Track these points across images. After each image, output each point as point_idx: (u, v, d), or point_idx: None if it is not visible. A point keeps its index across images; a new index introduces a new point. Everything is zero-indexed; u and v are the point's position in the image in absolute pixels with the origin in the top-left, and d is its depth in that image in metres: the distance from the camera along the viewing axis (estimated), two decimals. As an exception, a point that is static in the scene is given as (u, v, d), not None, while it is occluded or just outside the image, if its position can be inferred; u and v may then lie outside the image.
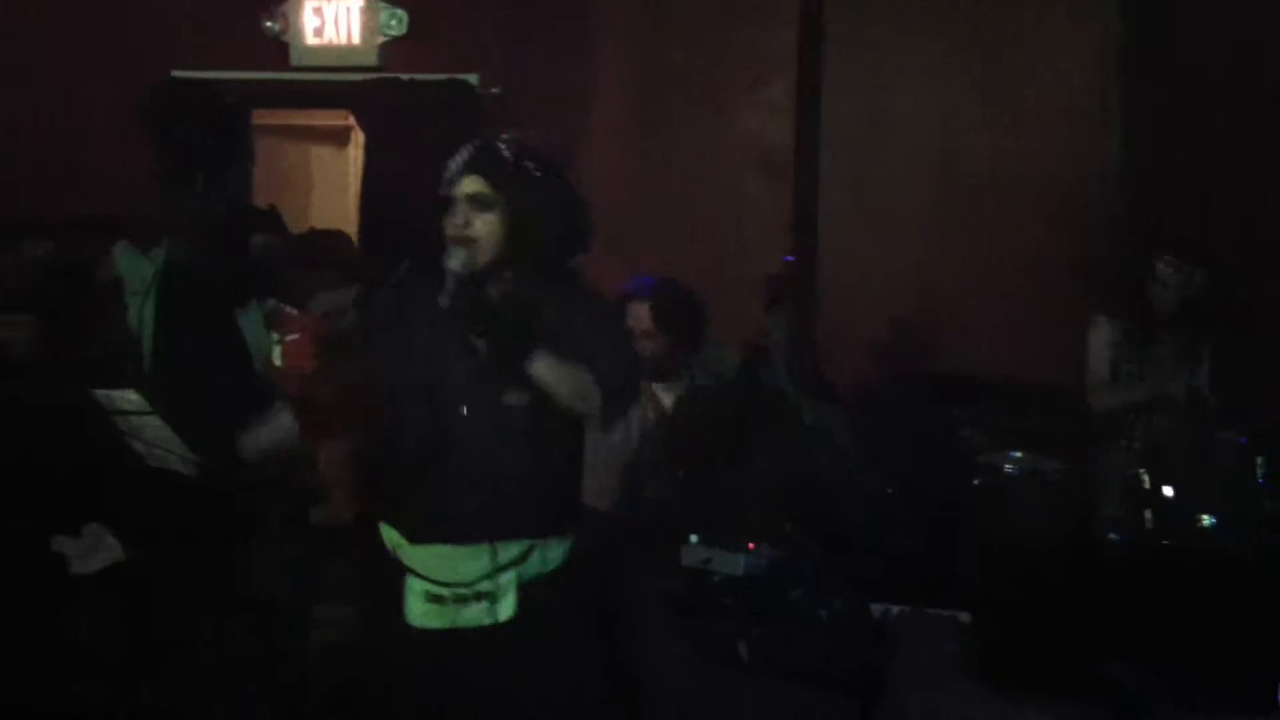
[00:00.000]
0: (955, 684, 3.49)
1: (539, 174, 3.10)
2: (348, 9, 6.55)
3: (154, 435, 3.90)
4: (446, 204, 3.08)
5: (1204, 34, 6.03)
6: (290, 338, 4.19)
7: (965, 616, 3.63)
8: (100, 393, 3.95)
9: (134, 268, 4.25)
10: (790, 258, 4.67)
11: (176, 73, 6.47)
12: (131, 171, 4.35)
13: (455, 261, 2.99)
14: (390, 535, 3.21)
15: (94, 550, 4.46)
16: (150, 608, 4.31)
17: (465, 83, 6.43)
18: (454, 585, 3.11)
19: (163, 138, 4.14)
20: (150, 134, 4.16)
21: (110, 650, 4.46)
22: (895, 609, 3.76)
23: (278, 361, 4.23)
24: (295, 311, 4.20)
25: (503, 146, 3.09)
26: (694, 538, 3.91)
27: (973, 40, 6.30)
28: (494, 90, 6.42)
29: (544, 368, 3.02)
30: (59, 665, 4.40)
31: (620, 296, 4.82)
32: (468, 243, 3.03)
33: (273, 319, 4.23)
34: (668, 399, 4.76)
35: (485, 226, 3.05)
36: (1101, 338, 5.37)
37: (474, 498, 3.09)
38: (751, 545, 3.85)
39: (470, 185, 3.06)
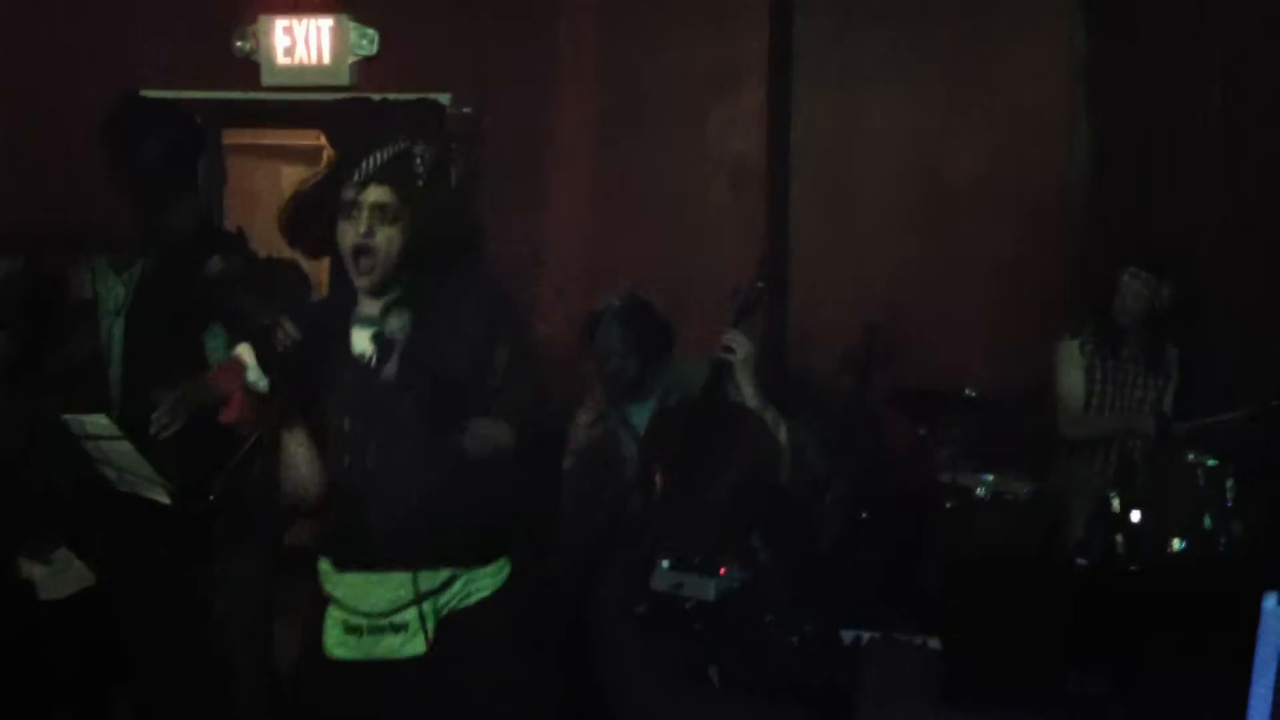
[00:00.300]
0: (924, 707, 3.50)
1: (444, 192, 3.03)
2: (318, 29, 6.51)
3: (124, 460, 3.89)
4: (344, 209, 2.99)
5: (1170, 46, 6.07)
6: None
7: (936, 643, 3.62)
8: (70, 417, 3.93)
9: (109, 286, 4.22)
10: (760, 271, 4.65)
11: (146, 92, 6.43)
12: (102, 190, 4.33)
13: (394, 326, 2.96)
14: (323, 563, 3.14)
15: (63, 575, 4.43)
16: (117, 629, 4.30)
17: (436, 102, 6.41)
18: (370, 615, 3.05)
19: (124, 155, 4.10)
20: (112, 151, 4.13)
21: (78, 672, 4.44)
22: (866, 635, 3.75)
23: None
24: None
25: (416, 159, 3.00)
26: (665, 562, 3.90)
27: (944, 51, 6.32)
28: (465, 110, 6.41)
29: (472, 439, 3.00)
30: (30, 690, 4.38)
31: (590, 315, 4.82)
32: (367, 253, 2.96)
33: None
34: (639, 420, 4.77)
35: (385, 239, 2.97)
36: (1068, 364, 5.39)
37: (391, 523, 3.01)
38: (723, 570, 3.84)
39: (378, 194, 2.96)
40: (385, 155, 2.98)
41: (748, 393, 4.29)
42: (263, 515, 4.13)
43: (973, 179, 6.27)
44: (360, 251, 2.97)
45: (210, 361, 4.00)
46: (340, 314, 3.08)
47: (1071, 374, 5.38)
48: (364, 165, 2.96)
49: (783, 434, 4.33)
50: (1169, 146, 6.06)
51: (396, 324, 2.98)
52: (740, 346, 4.28)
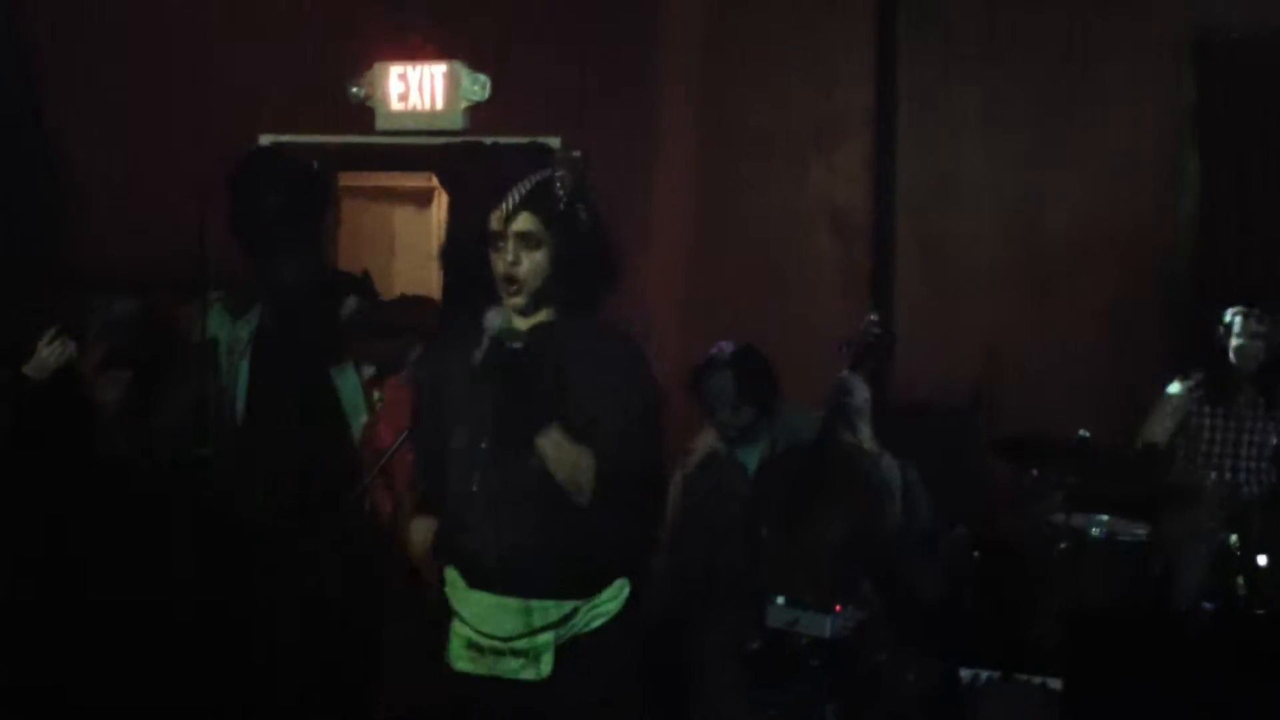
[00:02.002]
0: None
1: (585, 217, 3.10)
2: (431, 75, 6.61)
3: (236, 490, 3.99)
4: (491, 239, 3.08)
5: (1277, 89, 6.02)
6: (389, 398, 4.23)
7: (1056, 683, 3.57)
8: (187, 449, 4.05)
9: (228, 330, 4.32)
10: (874, 318, 4.62)
11: (263, 137, 6.59)
12: (218, 233, 4.43)
13: (494, 324, 2.98)
14: (451, 574, 3.21)
15: None
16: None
17: (546, 146, 6.50)
18: (493, 638, 3.11)
19: (251, 205, 4.20)
20: (237, 201, 4.23)
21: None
22: (984, 675, 3.71)
23: (371, 421, 4.27)
24: (395, 377, 4.24)
25: (558, 185, 3.09)
26: (780, 599, 3.90)
27: (1047, 102, 6.29)
28: (575, 154, 6.49)
29: (550, 444, 3.01)
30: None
31: (701, 365, 4.85)
32: (514, 281, 3.05)
33: (372, 381, 4.29)
34: (750, 462, 4.78)
35: (532, 265, 3.06)
36: (1158, 411, 5.33)
37: (520, 555, 3.07)
38: (839, 608, 3.82)
39: (523, 223, 3.05)
40: (528, 185, 3.07)
41: (863, 436, 4.28)
42: (374, 547, 4.20)
43: (1077, 226, 6.23)
44: (509, 280, 3.07)
45: (342, 399, 4.10)
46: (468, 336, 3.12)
47: (1156, 421, 5.33)
48: (511, 196, 3.05)
49: (896, 479, 4.32)
50: (1276, 191, 5.99)
51: (498, 318, 3.01)
52: (858, 391, 4.28)
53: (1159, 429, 5.36)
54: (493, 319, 3.00)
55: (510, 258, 3.05)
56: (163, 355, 6.24)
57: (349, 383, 4.21)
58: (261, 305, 4.32)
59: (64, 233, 6.80)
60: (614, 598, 3.20)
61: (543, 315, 3.13)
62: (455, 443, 3.13)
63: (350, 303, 4.15)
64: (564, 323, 3.14)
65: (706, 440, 4.94)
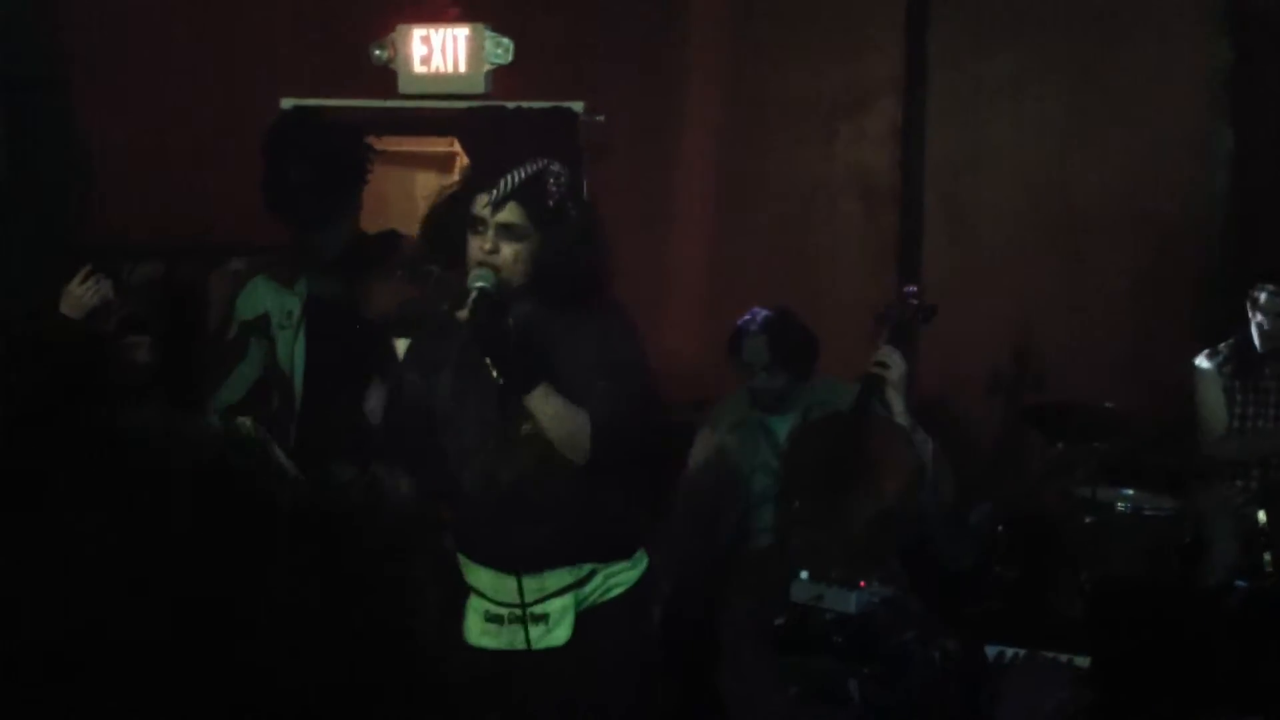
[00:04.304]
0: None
1: (575, 214, 3.04)
2: (455, 38, 6.54)
3: (262, 462, 3.95)
4: (472, 223, 3.02)
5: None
6: None
7: (1084, 661, 3.53)
8: (214, 418, 4.00)
9: (277, 302, 4.24)
10: (912, 289, 4.54)
11: (285, 100, 6.54)
12: (243, 201, 4.38)
13: (479, 280, 2.95)
14: (460, 556, 3.22)
15: None
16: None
17: (569, 110, 6.44)
18: (511, 605, 3.10)
19: (288, 168, 4.12)
20: (274, 164, 4.15)
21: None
22: (1010, 652, 3.66)
23: None
24: None
25: (550, 180, 3.02)
26: (804, 574, 3.85)
27: (1078, 71, 6.21)
28: (598, 118, 6.43)
29: (541, 401, 2.96)
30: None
31: (737, 329, 4.81)
32: (490, 268, 2.99)
33: None
34: (781, 431, 4.74)
35: (512, 256, 2.99)
36: (1208, 386, 5.28)
37: (522, 524, 3.06)
38: (863, 583, 3.78)
39: (509, 214, 2.99)
40: (521, 174, 3.00)
41: (897, 410, 4.20)
42: (395, 517, 4.16)
43: (1107, 195, 6.17)
44: (482, 266, 3.00)
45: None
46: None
47: (1211, 396, 5.26)
48: (501, 184, 2.98)
49: (928, 454, 4.26)
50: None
51: (481, 277, 2.97)
52: (895, 364, 4.20)
53: (1213, 404, 5.30)
54: (477, 276, 2.96)
55: (489, 245, 2.99)
56: (192, 323, 6.25)
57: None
58: (308, 276, 4.24)
59: (86, 199, 6.77)
60: (633, 566, 3.19)
61: (520, 309, 3.05)
62: (443, 410, 3.11)
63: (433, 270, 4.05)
64: (540, 314, 3.07)
65: (739, 406, 4.89)
